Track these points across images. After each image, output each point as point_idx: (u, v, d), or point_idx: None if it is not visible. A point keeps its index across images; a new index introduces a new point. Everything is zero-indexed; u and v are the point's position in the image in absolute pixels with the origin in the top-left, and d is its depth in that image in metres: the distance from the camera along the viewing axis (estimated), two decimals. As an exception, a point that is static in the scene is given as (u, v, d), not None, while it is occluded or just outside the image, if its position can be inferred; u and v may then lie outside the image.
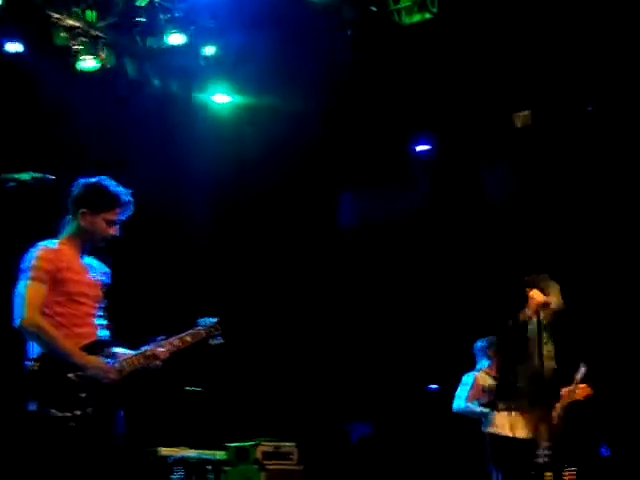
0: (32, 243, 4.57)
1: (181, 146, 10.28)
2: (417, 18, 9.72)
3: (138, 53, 9.18)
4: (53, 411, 4.23)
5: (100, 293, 4.61)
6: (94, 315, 4.56)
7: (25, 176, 4.51)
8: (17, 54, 8.64)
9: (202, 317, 4.87)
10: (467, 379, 7.89)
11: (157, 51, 9.27)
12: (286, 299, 11.12)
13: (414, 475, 10.16)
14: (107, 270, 4.75)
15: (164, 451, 8.57)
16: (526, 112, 10.42)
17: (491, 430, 5.85)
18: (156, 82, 9.36)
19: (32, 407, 4.29)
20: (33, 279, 4.39)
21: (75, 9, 8.37)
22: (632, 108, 9.48)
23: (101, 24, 8.61)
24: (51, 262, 4.45)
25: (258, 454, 9.11)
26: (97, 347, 4.49)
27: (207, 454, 8.66)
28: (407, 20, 9.76)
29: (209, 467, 8.63)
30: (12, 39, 8.51)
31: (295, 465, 9.29)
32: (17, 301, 4.39)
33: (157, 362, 4.61)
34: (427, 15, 9.61)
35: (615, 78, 9.41)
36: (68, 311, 4.46)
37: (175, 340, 4.69)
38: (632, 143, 9.56)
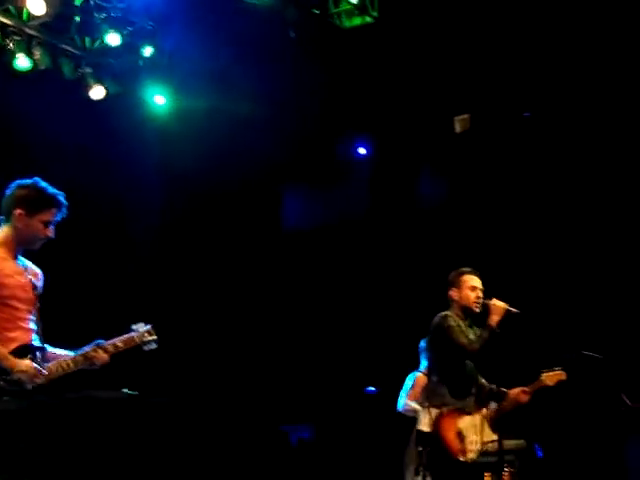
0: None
1: (121, 148, 10.16)
2: (357, 21, 9.77)
3: (74, 54, 9.02)
4: None
5: (33, 296, 4.56)
6: (26, 319, 4.50)
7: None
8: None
9: (136, 323, 4.82)
10: (409, 379, 8.01)
11: (94, 51, 9.13)
12: (228, 300, 11.07)
13: (353, 477, 10.18)
14: (40, 272, 4.69)
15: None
16: (465, 116, 10.52)
17: (418, 427, 5.94)
18: (92, 82, 9.17)
19: None
20: None
21: (8, 7, 8.19)
22: (570, 115, 9.63)
23: (35, 22, 8.44)
24: None
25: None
26: (28, 351, 4.43)
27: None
28: (347, 23, 9.80)
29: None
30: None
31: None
32: None
33: (94, 363, 4.57)
34: (367, 19, 9.67)
35: (553, 85, 9.55)
36: (1, 315, 4.36)
37: (116, 342, 4.64)
38: (568, 150, 9.71)
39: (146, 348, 4.78)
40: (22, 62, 8.50)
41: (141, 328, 4.79)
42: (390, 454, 9.43)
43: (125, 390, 8.42)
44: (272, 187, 11.69)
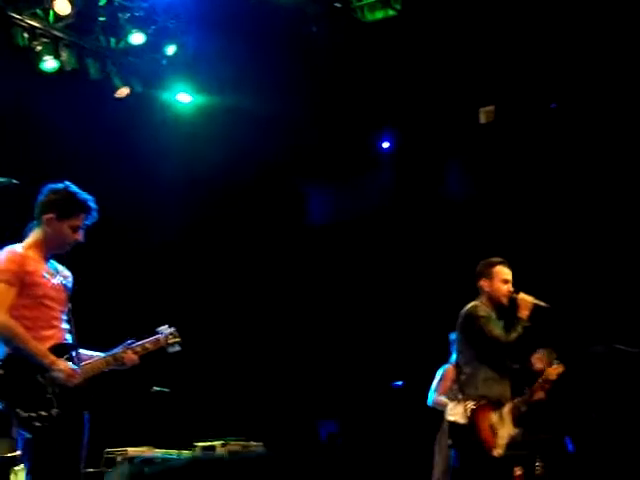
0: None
1: (146, 146, 10.21)
2: (380, 15, 9.76)
3: (100, 53, 9.09)
4: (18, 410, 4.26)
5: (65, 297, 4.62)
6: (60, 318, 4.57)
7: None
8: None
9: (160, 325, 4.89)
10: (439, 372, 7.99)
11: (119, 51, 9.19)
12: (254, 297, 11.11)
13: (381, 471, 10.20)
14: (70, 275, 4.75)
15: (131, 451, 8.53)
16: (490, 108, 10.48)
17: (450, 419, 5.89)
18: (118, 82, 9.23)
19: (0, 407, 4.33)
20: (2, 281, 4.40)
21: (36, 9, 8.27)
22: (595, 106, 9.56)
23: (61, 24, 8.51)
24: (18, 265, 4.46)
25: (225, 453, 9.10)
26: (65, 350, 4.51)
27: (173, 454, 8.62)
28: (370, 17, 9.79)
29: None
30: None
31: (262, 464, 9.29)
32: None
33: (124, 364, 4.67)
34: (390, 12, 9.65)
35: (578, 76, 9.49)
36: (35, 314, 4.47)
37: (137, 347, 4.73)
38: (595, 141, 9.64)
39: (170, 350, 4.86)
40: (49, 64, 8.57)
41: (165, 330, 4.86)
42: (417, 447, 9.46)
43: (156, 388, 8.55)
44: (296, 183, 11.71)
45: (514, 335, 5.77)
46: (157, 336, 4.84)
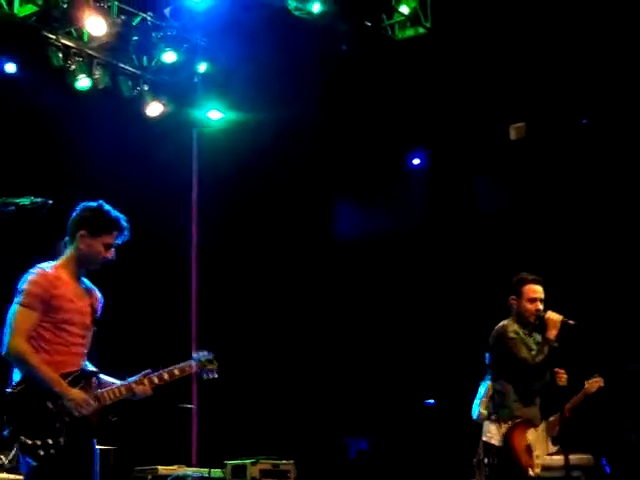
0: (31, 266, 4.56)
1: (177, 163, 10.27)
2: (410, 33, 9.77)
3: (133, 72, 9.17)
4: (22, 438, 4.22)
5: (89, 322, 4.57)
6: (79, 344, 4.52)
7: (25, 201, 4.50)
8: (11, 75, 8.63)
9: (198, 351, 4.84)
10: (482, 386, 7.92)
11: (151, 69, 9.27)
12: (282, 313, 11.09)
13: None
14: (100, 296, 4.73)
15: (162, 470, 8.53)
16: (521, 124, 10.44)
17: (484, 439, 5.82)
18: (150, 100, 9.31)
19: (5, 433, 4.28)
20: (24, 305, 4.40)
21: (71, 29, 8.37)
22: (627, 121, 9.49)
23: (95, 44, 8.61)
24: (44, 289, 4.43)
25: (256, 472, 9.08)
26: (82, 378, 4.47)
27: (203, 472, 8.61)
28: (400, 35, 9.81)
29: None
30: (7, 60, 8.52)
31: (293, 483, 9.26)
32: (6, 327, 4.38)
33: (134, 396, 4.58)
34: (420, 30, 9.66)
35: (610, 91, 9.43)
36: (53, 337, 4.43)
37: (164, 374, 4.65)
38: (627, 156, 9.57)
39: (205, 377, 4.80)
40: (83, 82, 8.68)
41: (202, 356, 4.83)
42: (447, 466, 9.38)
43: (182, 405, 8.55)
44: (326, 199, 11.70)
45: (540, 357, 5.71)
46: (190, 361, 4.74)
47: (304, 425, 10.66)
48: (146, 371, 4.62)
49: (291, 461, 9.29)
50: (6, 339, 4.36)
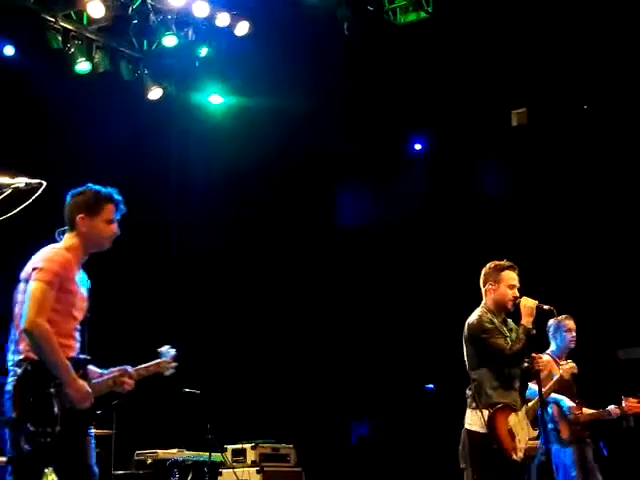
0: (26, 249, 4.55)
1: (177, 148, 10.26)
2: (412, 17, 9.74)
3: (133, 56, 9.15)
4: (28, 425, 4.20)
5: (86, 308, 4.57)
6: (77, 329, 4.51)
7: (20, 183, 4.48)
8: (10, 57, 8.62)
9: (162, 347, 4.85)
10: None
11: (151, 53, 9.24)
12: (284, 299, 11.10)
13: (413, 475, 10.15)
14: (89, 285, 4.72)
15: (162, 454, 8.55)
16: (522, 110, 10.41)
17: (466, 426, 5.83)
18: (150, 84, 9.28)
19: (6, 418, 4.27)
20: (47, 282, 4.33)
21: (70, 12, 8.34)
22: (627, 107, 9.46)
23: (94, 27, 8.58)
24: (65, 269, 4.41)
25: (256, 456, 9.11)
26: (80, 365, 4.44)
27: (204, 456, 8.64)
28: (402, 19, 9.77)
29: (206, 469, 8.60)
30: (5, 42, 8.50)
31: (293, 467, 9.30)
32: (27, 302, 4.30)
33: (123, 388, 4.59)
34: (422, 14, 9.63)
35: (611, 77, 9.39)
36: (61, 321, 4.39)
37: (141, 369, 4.69)
38: (627, 142, 9.54)
39: (167, 373, 4.84)
40: (83, 66, 8.66)
41: (167, 354, 4.81)
42: (449, 451, 9.40)
43: (186, 389, 8.56)
44: (327, 184, 11.69)
45: (519, 346, 5.69)
46: (156, 361, 4.78)
47: (304, 409, 10.68)
48: (124, 367, 4.62)
49: (291, 445, 9.35)
50: (30, 315, 4.26)
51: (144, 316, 9.77)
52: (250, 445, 9.17)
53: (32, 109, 8.89)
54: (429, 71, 10.01)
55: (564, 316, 7.27)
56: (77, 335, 4.52)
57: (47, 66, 8.62)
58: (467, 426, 5.75)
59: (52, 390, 4.27)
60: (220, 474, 8.96)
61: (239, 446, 9.24)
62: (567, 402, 7.01)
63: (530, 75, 9.74)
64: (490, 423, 5.62)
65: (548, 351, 7.32)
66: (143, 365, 4.73)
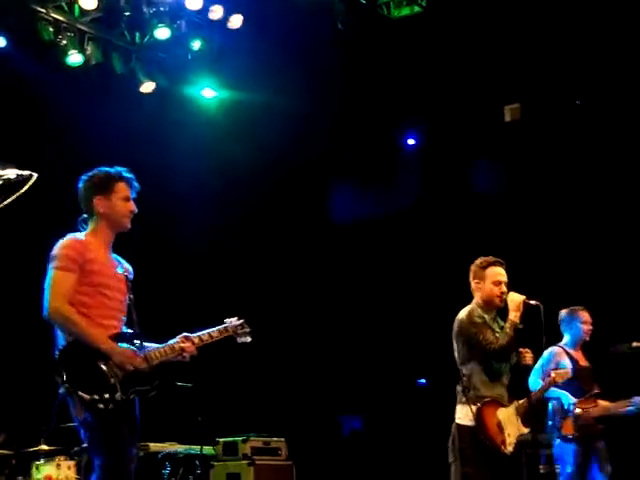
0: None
1: (169, 142, 10.23)
2: (406, 11, 9.71)
3: (125, 48, 9.11)
4: (81, 393, 4.26)
5: (125, 288, 4.62)
6: (119, 309, 4.58)
7: (11, 174, 4.47)
8: (0, 49, 8.59)
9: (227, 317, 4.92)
10: None
11: (144, 46, 9.21)
12: (277, 294, 11.10)
13: (404, 468, 10.17)
14: (130, 268, 4.76)
15: (153, 446, 8.55)
16: (515, 105, 10.41)
17: (456, 421, 5.84)
18: (143, 77, 9.25)
19: (60, 390, 4.34)
20: (60, 268, 4.43)
21: (61, 3, 8.30)
22: (620, 102, 9.47)
23: (86, 18, 8.54)
24: (78, 252, 4.48)
25: (247, 449, 9.11)
26: (124, 338, 4.51)
27: (195, 449, 8.64)
28: (396, 13, 9.75)
29: (197, 462, 8.61)
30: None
31: (284, 460, 9.30)
32: (45, 291, 4.42)
33: (185, 355, 4.64)
34: (416, 8, 9.60)
35: (604, 72, 9.40)
36: (94, 302, 4.48)
37: (204, 335, 4.75)
38: (620, 137, 9.55)
39: (240, 340, 4.87)
40: (75, 58, 8.62)
41: (234, 321, 4.88)
42: (440, 446, 9.41)
43: (178, 383, 8.55)
44: (320, 180, 11.68)
45: (505, 340, 5.70)
46: (224, 325, 4.87)
47: (295, 403, 10.69)
48: (184, 334, 4.67)
49: (282, 439, 9.36)
50: (46, 302, 4.39)
51: (139, 313, 9.72)
52: (241, 438, 9.17)
53: (24, 101, 8.86)
54: (422, 65, 10.00)
55: (579, 307, 7.23)
56: (121, 314, 4.58)
57: (39, 58, 8.58)
58: (457, 420, 5.79)
59: (101, 364, 4.34)
60: (212, 467, 8.96)
61: (230, 439, 9.24)
62: (569, 398, 6.97)
63: (523, 70, 9.74)
64: (478, 417, 5.65)
65: (561, 343, 7.26)
66: (207, 330, 4.75)
